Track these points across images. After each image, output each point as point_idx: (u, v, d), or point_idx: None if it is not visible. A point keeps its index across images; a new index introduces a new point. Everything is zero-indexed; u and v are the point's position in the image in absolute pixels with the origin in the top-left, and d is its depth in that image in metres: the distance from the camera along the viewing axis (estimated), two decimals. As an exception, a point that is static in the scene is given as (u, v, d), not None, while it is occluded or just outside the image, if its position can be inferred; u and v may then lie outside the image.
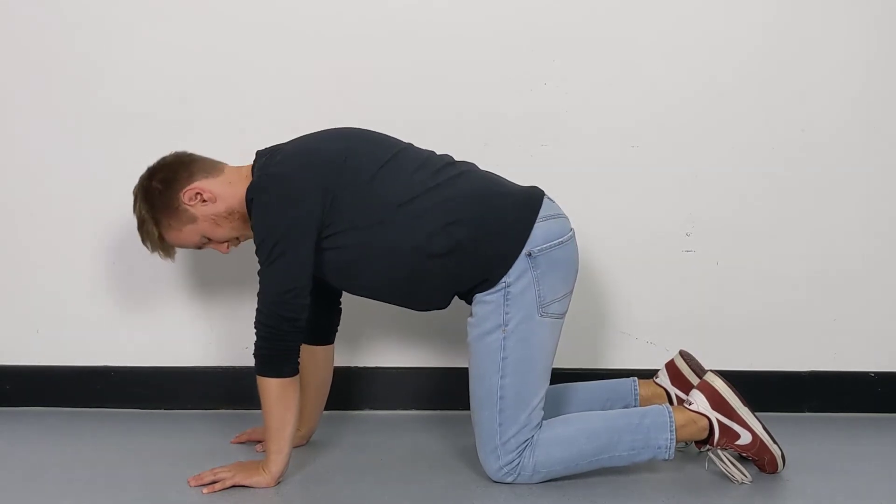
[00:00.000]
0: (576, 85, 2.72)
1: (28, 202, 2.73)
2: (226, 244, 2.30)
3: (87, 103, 2.70)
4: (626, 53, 2.72)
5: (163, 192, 2.22)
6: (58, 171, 2.72)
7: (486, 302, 2.17)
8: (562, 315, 2.22)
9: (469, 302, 2.23)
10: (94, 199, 2.72)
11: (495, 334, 2.16)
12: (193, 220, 2.22)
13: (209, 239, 2.27)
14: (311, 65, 2.69)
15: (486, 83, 2.71)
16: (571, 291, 2.24)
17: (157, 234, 2.24)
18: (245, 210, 2.22)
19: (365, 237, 2.15)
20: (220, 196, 2.22)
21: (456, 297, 2.25)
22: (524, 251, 2.15)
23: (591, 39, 2.71)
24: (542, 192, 2.24)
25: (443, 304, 2.26)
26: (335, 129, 2.30)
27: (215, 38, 2.68)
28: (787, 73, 2.74)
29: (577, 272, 2.25)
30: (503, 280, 2.15)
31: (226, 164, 2.29)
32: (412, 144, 2.29)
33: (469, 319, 2.22)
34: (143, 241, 2.28)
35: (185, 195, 2.21)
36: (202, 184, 2.22)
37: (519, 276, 2.15)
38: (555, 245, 2.18)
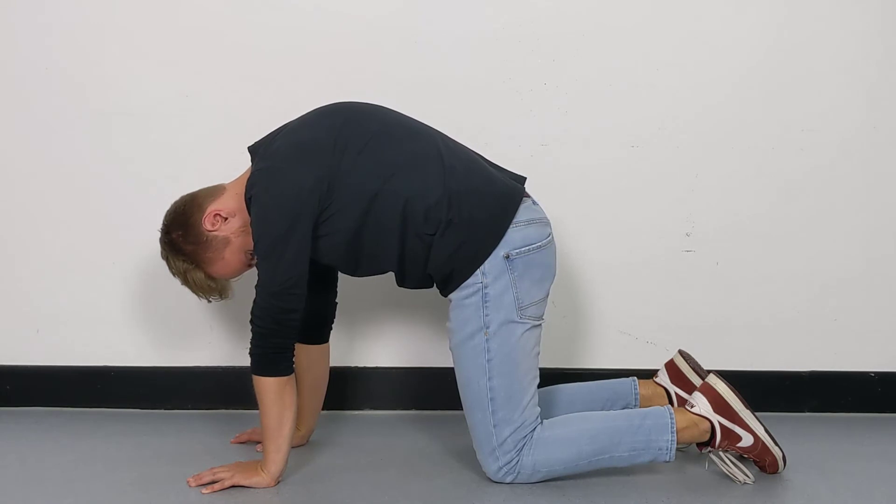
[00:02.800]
0: (576, 85, 2.72)
1: (28, 202, 2.74)
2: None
3: (87, 102, 2.70)
4: (625, 54, 2.72)
5: (186, 235, 2.22)
6: (57, 171, 2.72)
7: (464, 306, 2.17)
8: (540, 318, 2.21)
9: (445, 295, 2.22)
10: (94, 198, 2.72)
11: (478, 337, 2.16)
12: (227, 241, 2.22)
13: (253, 253, 2.24)
14: (311, 65, 2.69)
15: (486, 83, 2.71)
16: (548, 296, 2.24)
17: (203, 275, 2.24)
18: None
19: (360, 213, 2.13)
20: (236, 209, 2.22)
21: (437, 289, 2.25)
22: (501, 252, 2.15)
23: (590, 39, 2.71)
24: (522, 193, 2.24)
25: (426, 284, 2.25)
26: (319, 109, 2.27)
27: (217, 37, 2.68)
28: (787, 74, 2.74)
29: (553, 277, 2.25)
30: (480, 280, 2.15)
31: (224, 183, 2.29)
32: (398, 112, 2.29)
33: (448, 325, 2.21)
34: (196, 292, 2.27)
35: (207, 222, 2.21)
36: (214, 206, 2.22)
37: (496, 277, 2.15)
38: (532, 249, 2.18)
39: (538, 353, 2.22)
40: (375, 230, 2.15)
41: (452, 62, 2.70)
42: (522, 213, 2.19)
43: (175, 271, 2.26)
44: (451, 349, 2.22)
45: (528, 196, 2.25)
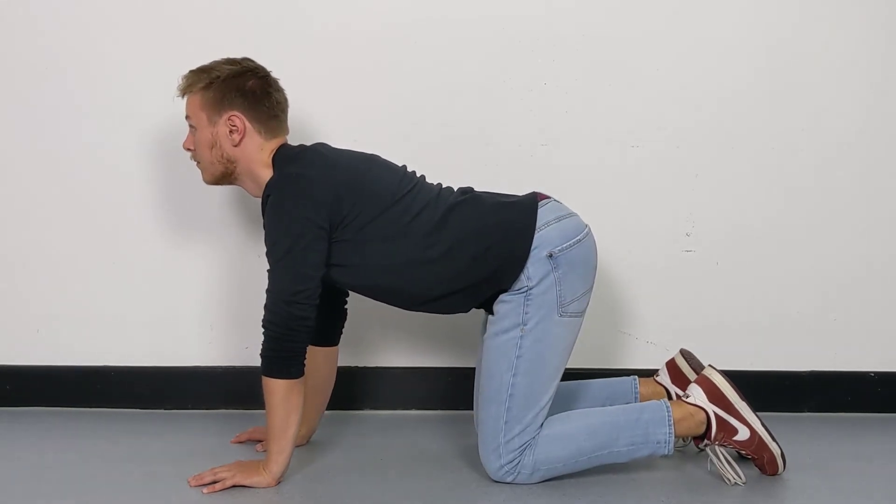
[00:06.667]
0: (576, 85, 2.72)
1: (28, 202, 2.73)
2: (192, 151, 2.29)
3: (88, 102, 2.70)
4: (625, 54, 2.72)
5: (240, 92, 2.21)
6: (57, 171, 2.72)
7: (506, 301, 2.19)
8: (581, 313, 2.23)
9: (489, 308, 2.24)
10: (94, 198, 2.72)
11: (513, 332, 2.17)
12: (212, 123, 2.22)
13: (192, 134, 2.26)
14: (311, 64, 2.69)
15: (487, 83, 2.71)
16: (591, 288, 2.25)
17: (198, 85, 2.22)
18: (233, 171, 2.25)
19: (373, 259, 2.17)
20: (242, 148, 2.22)
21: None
22: (543, 253, 2.16)
23: (591, 39, 2.71)
24: (536, 197, 2.25)
25: (463, 311, 2.28)
26: (356, 151, 2.31)
27: (217, 35, 2.68)
28: (787, 73, 2.74)
29: (595, 268, 2.26)
30: (525, 284, 2.16)
31: (283, 138, 2.28)
32: (424, 178, 2.31)
33: (489, 317, 2.23)
34: (193, 72, 2.24)
35: (232, 116, 2.21)
36: (250, 130, 2.22)
37: (541, 278, 2.16)
38: (573, 244, 2.19)
39: (569, 355, 2.23)
40: (385, 280, 2.21)
41: (452, 62, 2.70)
42: (549, 213, 2.21)
43: (221, 64, 2.24)
44: (482, 339, 2.24)
45: (549, 197, 2.26)
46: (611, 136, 2.74)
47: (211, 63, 2.26)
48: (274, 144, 2.25)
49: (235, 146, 2.23)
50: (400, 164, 2.31)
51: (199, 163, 2.29)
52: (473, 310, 2.29)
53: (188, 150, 2.30)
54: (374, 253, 2.17)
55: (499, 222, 2.19)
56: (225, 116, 2.21)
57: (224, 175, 2.27)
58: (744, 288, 2.79)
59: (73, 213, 2.73)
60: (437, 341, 2.78)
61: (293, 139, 2.34)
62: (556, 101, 2.72)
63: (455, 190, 2.30)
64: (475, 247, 2.17)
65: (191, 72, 2.25)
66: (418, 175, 2.31)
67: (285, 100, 2.29)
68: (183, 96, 2.26)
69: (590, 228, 2.25)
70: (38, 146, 2.71)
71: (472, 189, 2.30)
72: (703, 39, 2.73)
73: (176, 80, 2.26)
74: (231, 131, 2.21)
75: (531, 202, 2.23)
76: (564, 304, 2.18)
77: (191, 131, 2.28)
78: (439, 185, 2.31)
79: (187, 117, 2.27)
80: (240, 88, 2.22)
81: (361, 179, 2.19)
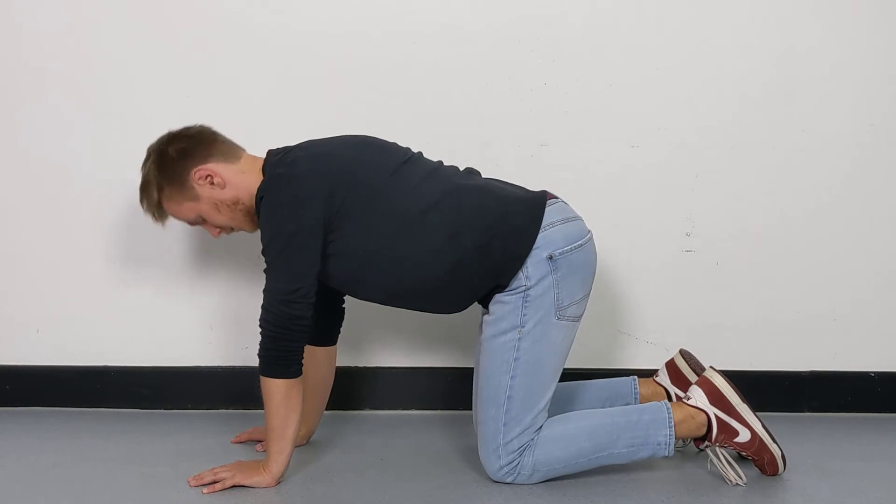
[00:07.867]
0: (576, 85, 2.72)
1: (28, 202, 2.73)
2: (219, 230, 2.29)
3: (88, 103, 2.70)
4: (625, 54, 2.72)
5: (176, 161, 2.20)
6: (58, 171, 2.72)
7: (504, 302, 2.18)
8: (578, 318, 2.22)
9: (486, 305, 2.24)
10: (95, 198, 2.72)
11: (510, 334, 2.17)
12: (197, 198, 2.22)
13: (204, 220, 2.26)
14: (311, 64, 2.69)
15: (487, 83, 2.71)
16: (589, 294, 2.24)
17: (157, 199, 2.23)
18: (251, 204, 2.23)
19: (371, 246, 2.16)
20: (231, 183, 2.21)
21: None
22: (544, 254, 2.15)
23: (590, 39, 2.71)
24: (546, 196, 2.25)
25: (458, 310, 2.27)
26: (347, 135, 2.30)
27: (217, 35, 2.68)
28: (787, 73, 2.74)
29: (594, 274, 2.26)
30: (523, 283, 2.16)
31: (244, 152, 2.28)
32: (421, 154, 2.30)
33: (485, 317, 2.23)
34: (141, 200, 2.26)
35: (197, 174, 2.20)
36: (216, 167, 2.21)
37: (540, 279, 2.15)
38: (575, 248, 2.18)
39: (566, 358, 2.23)
40: (385, 267, 2.18)
41: (452, 62, 2.70)
42: (556, 213, 2.20)
43: (143, 169, 2.24)
44: (480, 340, 2.23)
45: (556, 197, 2.26)
46: (611, 137, 2.74)
47: (140, 176, 2.24)
48: (248, 159, 2.25)
49: (224, 188, 2.22)
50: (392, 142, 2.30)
51: (230, 230, 2.29)
52: (471, 310, 2.28)
53: (218, 234, 2.29)
54: (371, 243, 2.15)
55: (505, 215, 2.18)
56: (192, 183, 2.20)
57: (247, 212, 2.25)
58: (744, 288, 2.79)
59: (73, 213, 2.73)
60: (436, 341, 2.78)
61: (295, 138, 2.33)
62: (556, 101, 2.72)
63: (461, 170, 2.28)
64: (478, 237, 2.15)
65: (140, 198, 2.25)
66: (415, 151, 2.29)
67: (200, 126, 2.27)
68: (163, 220, 2.27)
69: (592, 234, 2.25)
70: (38, 146, 2.71)
71: (478, 172, 2.29)
72: (703, 39, 2.73)
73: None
74: (210, 184, 2.21)
75: (540, 200, 2.22)
76: (562, 308, 2.17)
77: (203, 226, 2.28)
78: (439, 162, 2.29)
79: (190, 223, 2.27)
80: (172, 158, 2.20)
81: (352, 166, 2.17)
